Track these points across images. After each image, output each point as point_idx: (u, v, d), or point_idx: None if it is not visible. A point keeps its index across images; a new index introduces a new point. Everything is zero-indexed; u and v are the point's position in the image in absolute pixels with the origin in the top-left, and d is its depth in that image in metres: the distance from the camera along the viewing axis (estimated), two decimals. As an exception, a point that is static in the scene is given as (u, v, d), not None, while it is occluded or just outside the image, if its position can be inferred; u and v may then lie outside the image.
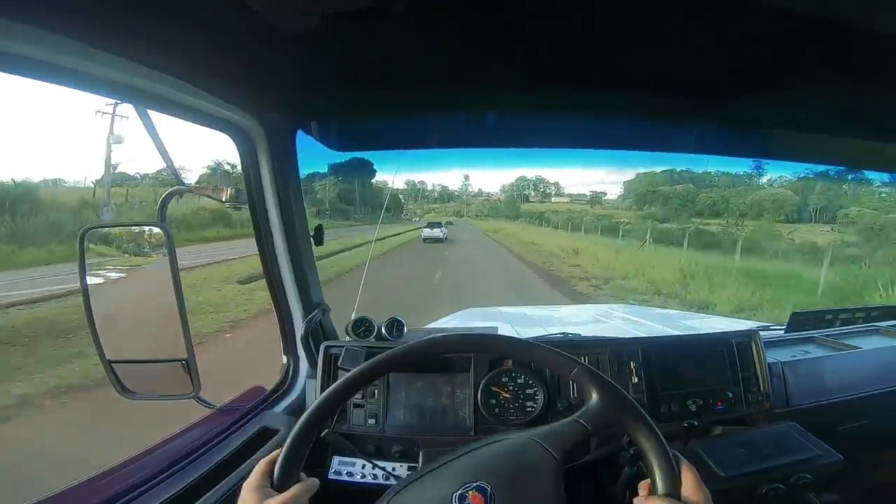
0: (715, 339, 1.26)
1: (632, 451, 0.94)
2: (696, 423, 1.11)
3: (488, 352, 1.10)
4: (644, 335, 1.57)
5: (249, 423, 1.12)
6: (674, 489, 0.61)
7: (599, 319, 2.36)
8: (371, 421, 1.13)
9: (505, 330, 1.75)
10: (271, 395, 1.25)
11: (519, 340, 0.76)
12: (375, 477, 1.09)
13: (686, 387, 1.17)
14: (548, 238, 20.79)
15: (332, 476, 1.11)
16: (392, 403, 1.15)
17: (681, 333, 1.45)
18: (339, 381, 0.67)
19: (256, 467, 0.64)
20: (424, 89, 1.05)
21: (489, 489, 0.57)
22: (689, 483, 0.62)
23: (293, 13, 0.69)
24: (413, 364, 1.04)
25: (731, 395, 1.17)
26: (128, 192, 16.46)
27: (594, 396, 0.66)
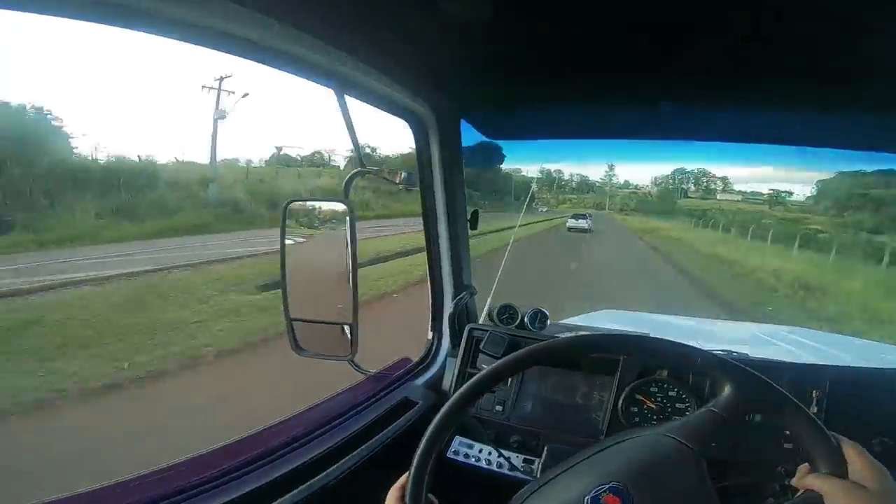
0: None
1: (786, 483, 0.84)
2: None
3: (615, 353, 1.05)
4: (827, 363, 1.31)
5: (394, 392, 1.20)
6: (838, 468, 0.53)
7: (766, 340, 2.02)
8: (498, 408, 1.14)
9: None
10: (416, 366, 1.32)
11: (637, 337, 0.73)
12: (490, 463, 1.08)
13: (876, 427, 0.96)
14: (753, 257, 11.12)
15: (450, 455, 1.11)
16: (523, 394, 1.14)
17: (883, 367, 1.18)
18: (487, 370, 0.66)
19: (388, 497, 0.62)
20: (591, 77, 1.04)
21: (624, 488, 0.53)
22: (859, 462, 0.52)
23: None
24: (558, 360, 1.05)
25: None
26: (248, 171, 18.80)
27: (727, 387, 0.60)
